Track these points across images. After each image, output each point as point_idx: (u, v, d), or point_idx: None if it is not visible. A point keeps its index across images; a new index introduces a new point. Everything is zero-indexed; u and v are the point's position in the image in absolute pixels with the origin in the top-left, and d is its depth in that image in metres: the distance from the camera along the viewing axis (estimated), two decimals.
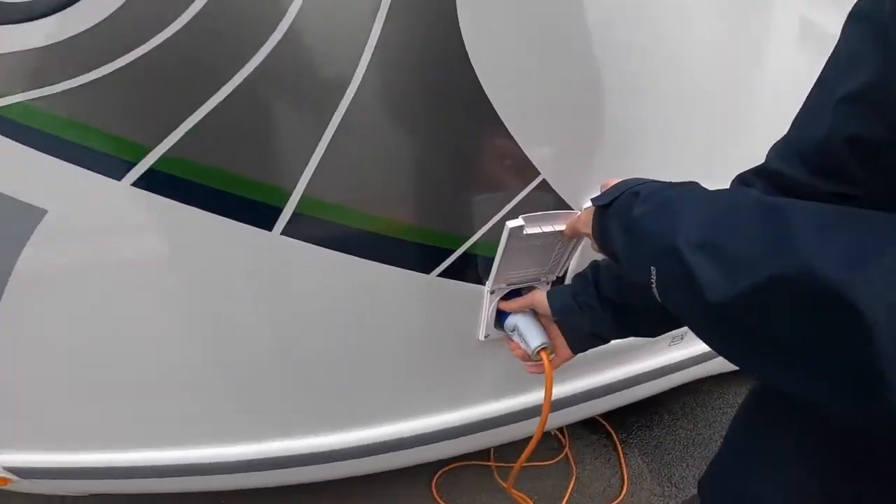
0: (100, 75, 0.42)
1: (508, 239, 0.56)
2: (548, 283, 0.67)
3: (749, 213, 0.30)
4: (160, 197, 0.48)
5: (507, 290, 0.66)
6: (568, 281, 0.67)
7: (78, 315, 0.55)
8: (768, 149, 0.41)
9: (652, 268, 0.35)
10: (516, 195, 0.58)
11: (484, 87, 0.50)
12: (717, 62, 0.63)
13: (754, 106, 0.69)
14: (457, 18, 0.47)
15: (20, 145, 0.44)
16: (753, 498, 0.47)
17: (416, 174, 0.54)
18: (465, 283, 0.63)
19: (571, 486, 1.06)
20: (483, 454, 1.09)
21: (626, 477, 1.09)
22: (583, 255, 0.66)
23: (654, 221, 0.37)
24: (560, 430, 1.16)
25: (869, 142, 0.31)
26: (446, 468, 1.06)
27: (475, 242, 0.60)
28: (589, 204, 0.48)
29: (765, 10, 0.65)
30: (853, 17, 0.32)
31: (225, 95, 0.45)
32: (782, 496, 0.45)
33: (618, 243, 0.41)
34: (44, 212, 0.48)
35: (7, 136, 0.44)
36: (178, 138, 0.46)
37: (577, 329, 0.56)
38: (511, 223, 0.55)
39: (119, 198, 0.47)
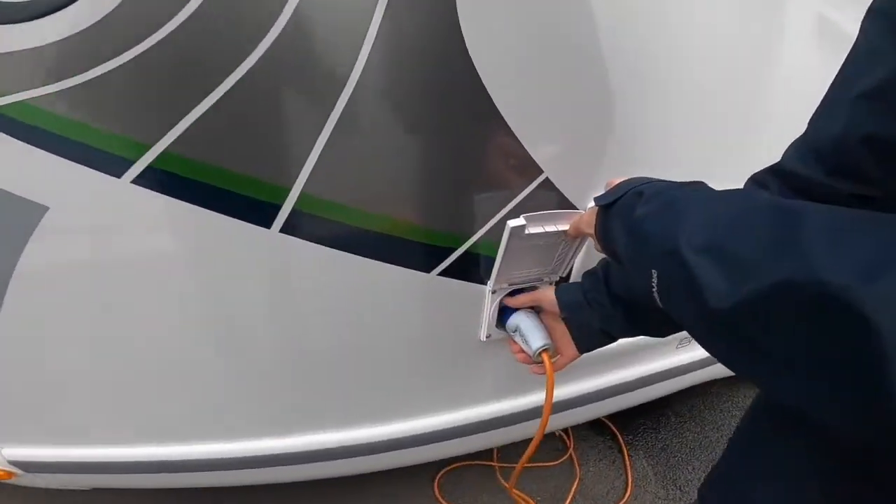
0: (98, 74, 0.43)
1: (510, 238, 0.55)
2: (551, 284, 0.66)
3: (758, 215, 0.29)
4: (159, 194, 0.48)
5: (510, 290, 0.65)
6: (573, 281, 0.66)
7: (79, 311, 0.56)
8: (783, 149, 0.39)
9: (653, 271, 0.34)
10: (518, 194, 0.57)
11: (485, 84, 0.49)
12: (729, 60, 0.62)
13: (768, 105, 0.67)
14: (456, 14, 0.46)
15: (22, 143, 0.45)
16: None
17: (416, 172, 0.54)
18: (466, 282, 0.62)
19: (574, 487, 1.05)
20: (486, 454, 1.08)
21: (630, 479, 1.08)
22: (587, 256, 0.64)
23: (656, 222, 0.35)
24: (565, 430, 1.15)
25: (886, 140, 0.29)
26: (449, 468, 1.06)
27: (476, 241, 0.59)
28: (593, 203, 0.47)
29: (779, 7, 0.63)
30: (872, 13, 0.31)
31: (222, 93, 0.45)
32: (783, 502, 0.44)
33: (620, 244, 0.40)
34: (45, 208, 0.48)
35: (8, 134, 0.44)
36: (176, 136, 0.46)
37: (585, 326, 0.55)
38: (512, 222, 0.54)
39: (119, 195, 0.48)
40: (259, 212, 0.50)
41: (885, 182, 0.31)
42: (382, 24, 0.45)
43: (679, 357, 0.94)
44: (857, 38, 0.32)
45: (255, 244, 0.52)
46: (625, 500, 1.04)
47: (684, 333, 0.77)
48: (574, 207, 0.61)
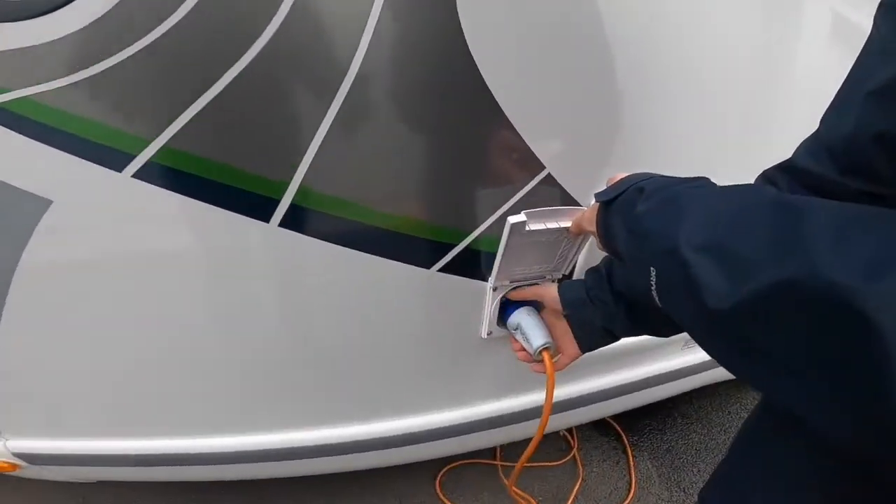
0: (100, 70, 0.43)
1: (510, 235, 0.55)
2: (553, 282, 0.65)
3: (761, 211, 0.28)
4: (160, 188, 0.49)
5: (511, 288, 0.64)
6: (576, 278, 0.65)
7: (82, 304, 0.56)
8: (796, 148, 0.39)
9: (652, 269, 0.33)
10: (520, 189, 0.57)
11: (485, 78, 0.49)
12: (737, 57, 0.61)
13: (779, 104, 0.66)
14: (455, 8, 0.45)
15: (26, 138, 0.45)
16: None
17: (416, 166, 0.53)
18: (467, 278, 0.62)
19: (577, 487, 1.04)
20: (489, 452, 1.08)
21: (633, 480, 1.06)
22: (590, 253, 0.64)
23: (657, 219, 0.35)
24: (569, 430, 1.14)
25: None
26: (450, 466, 1.06)
27: (477, 237, 0.59)
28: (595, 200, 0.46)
29: (793, 5, 0.61)
30: (884, 7, 0.30)
31: (221, 88, 0.45)
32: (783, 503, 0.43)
33: (620, 242, 0.39)
34: (49, 202, 0.49)
35: (13, 130, 0.45)
36: (175, 131, 0.46)
37: (587, 323, 0.54)
38: (512, 218, 0.53)
39: (120, 189, 0.48)
40: (258, 206, 0.50)
41: None
42: (381, 17, 0.44)
43: (685, 358, 0.92)
44: (870, 34, 0.32)
45: (255, 238, 0.52)
46: (627, 501, 1.03)
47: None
48: (577, 204, 0.60)
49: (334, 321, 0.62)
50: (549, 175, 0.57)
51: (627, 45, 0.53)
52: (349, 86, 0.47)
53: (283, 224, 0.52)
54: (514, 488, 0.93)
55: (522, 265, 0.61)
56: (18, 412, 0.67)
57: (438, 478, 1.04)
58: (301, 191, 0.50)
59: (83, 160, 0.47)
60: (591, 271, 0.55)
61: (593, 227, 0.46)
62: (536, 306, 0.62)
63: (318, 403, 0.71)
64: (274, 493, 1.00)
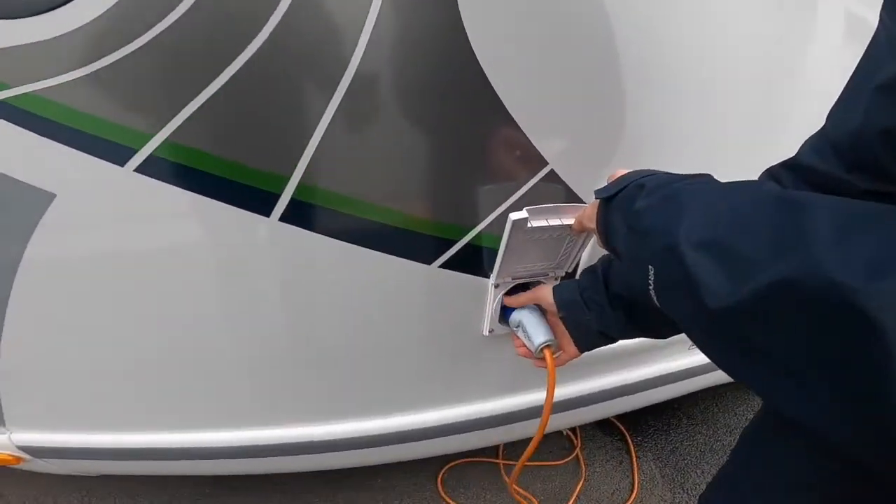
0: (103, 65, 0.44)
1: (512, 231, 0.54)
2: (556, 279, 0.65)
3: (762, 209, 0.28)
4: (162, 182, 0.49)
5: (513, 285, 0.64)
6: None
7: (86, 297, 0.57)
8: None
9: (650, 267, 0.33)
10: (522, 186, 0.56)
11: (487, 73, 0.48)
12: (744, 55, 0.60)
13: (788, 103, 0.65)
14: (457, 3, 0.45)
15: (30, 133, 0.46)
16: None
17: (416, 161, 0.53)
18: (468, 275, 0.61)
19: (579, 487, 1.04)
20: (491, 451, 1.08)
21: (636, 481, 1.06)
22: (594, 251, 0.63)
23: (657, 216, 0.34)
24: (572, 430, 1.13)
25: None
26: (452, 463, 1.06)
27: (479, 233, 0.58)
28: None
29: (806, 4, 0.60)
30: (891, 2, 0.30)
31: (222, 83, 0.45)
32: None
33: (620, 239, 0.39)
34: (52, 196, 0.50)
35: (17, 125, 0.46)
36: (177, 125, 0.47)
37: (582, 326, 0.53)
38: (514, 215, 0.53)
39: (122, 183, 0.49)
40: (259, 201, 0.51)
41: None
42: (382, 12, 0.44)
43: (691, 358, 0.91)
44: (877, 30, 0.31)
45: (255, 233, 0.53)
46: (629, 502, 1.02)
47: None
48: (580, 201, 0.59)
49: (335, 317, 0.62)
50: (552, 171, 0.56)
51: (632, 40, 0.52)
52: (350, 80, 0.46)
53: (283, 219, 0.52)
54: (515, 487, 0.93)
55: (525, 262, 0.61)
56: (23, 406, 0.68)
57: (440, 475, 1.04)
58: (302, 186, 0.50)
59: (86, 154, 0.47)
60: (588, 271, 0.54)
61: (593, 224, 0.45)
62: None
63: (318, 399, 0.71)
64: (275, 488, 1.00)
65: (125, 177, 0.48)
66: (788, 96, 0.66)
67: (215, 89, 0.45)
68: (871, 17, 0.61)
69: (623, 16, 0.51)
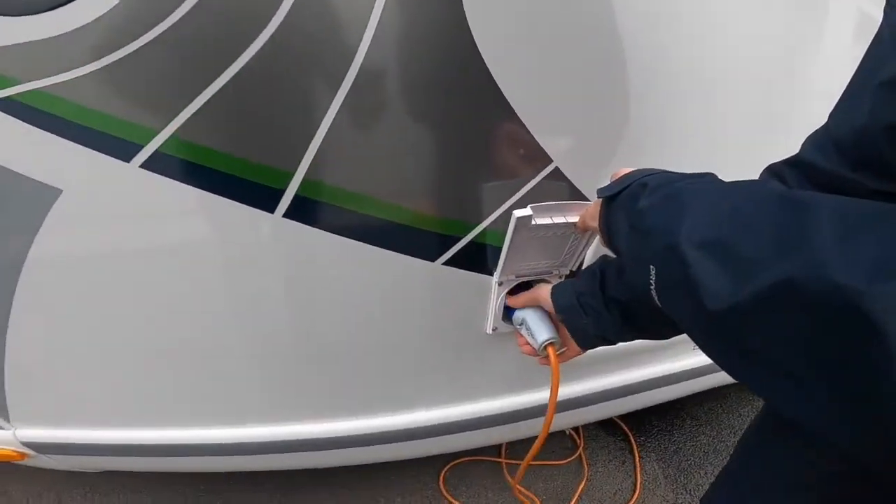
0: (109, 62, 0.44)
1: (516, 229, 0.54)
2: (560, 277, 0.65)
3: (765, 208, 0.27)
4: (167, 178, 0.49)
5: (517, 283, 0.63)
6: None
7: (91, 293, 0.57)
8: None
9: (651, 267, 0.32)
10: (526, 183, 0.56)
11: (491, 70, 0.48)
12: (751, 53, 0.59)
13: (795, 102, 0.65)
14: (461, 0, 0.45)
15: (37, 129, 0.46)
16: None
17: (420, 158, 0.53)
18: (472, 272, 0.61)
19: (581, 487, 1.03)
20: (494, 450, 1.07)
21: (639, 481, 1.05)
22: (598, 250, 0.63)
23: (658, 215, 0.34)
24: (575, 429, 1.13)
25: None
26: (455, 462, 1.05)
27: (483, 231, 0.58)
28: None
29: (816, 3, 0.60)
30: None
31: (227, 79, 0.45)
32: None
33: (622, 238, 0.39)
34: (59, 191, 0.50)
35: (24, 121, 0.46)
36: (182, 121, 0.47)
37: (580, 330, 0.53)
38: (518, 212, 0.53)
39: (128, 179, 0.49)
40: (263, 196, 0.51)
41: None
42: (386, 8, 0.44)
43: (695, 359, 0.91)
44: (881, 26, 0.31)
45: (260, 229, 0.53)
46: (632, 502, 1.02)
47: None
48: (585, 199, 0.59)
49: (338, 313, 0.62)
50: (556, 169, 0.56)
51: (637, 38, 0.52)
52: (354, 77, 0.46)
53: (287, 215, 0.52)
54: (518, 486, 0.93)
55: (529, 260, 0.60)
56: (28, 402, 0.68)
57: (442, 474, 1.04)
58: (306, 182, 0.50)
59: (92, 150, 0.48)
60: (586, 272, 0.53)
61: (596, 223, 0.45)
62: None
63: (321, 397, 0.71)
64: (276, 485, 1.01)
65: (131, 173, 0.48)
66: (794, 96, 0.65)
67: (220, 85, 0.45)
68: (879, 14, 0.61)
69: (627, 14, 0.51)
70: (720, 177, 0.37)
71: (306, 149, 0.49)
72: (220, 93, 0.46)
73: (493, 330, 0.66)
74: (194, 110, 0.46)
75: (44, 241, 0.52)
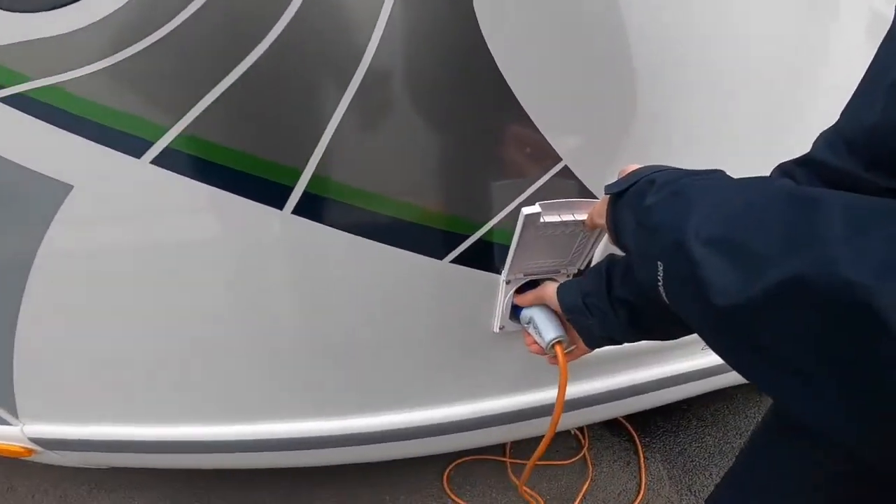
0: (120, 59, 0.44)
1: (524, 227, 0.54)
2: (568, 276, 0.64)
3: (774, 204, 0.27)
4: (176, 175, 0.49)
5: (525, 281, 0.63)
6: None
7: (101, 289, 0.57)
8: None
9: (659, 264, 0.32)
10: (535, 181, 0.56)
11: (500, 68, 0.48)
12: (762, 52, 0.59)
13: (805, 101, 0.64)
14: None
15: (48, 125, 0.47)
16: None
17: (429, 156, 0.53)
18: (480, 270, 0.61)
19: (585, 487, 1.03)
20: (498, 449, 1.07)
21: (643, 482, 1.05)
22: (607, 248, 0.62)
23: (665, 212, 0.34)
24: (580, 429, 1.13)
25: None
26: (459, 461, 1.05)
27: (491, 229, 0.58)
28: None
29: (828, 2, 0.60)
30: None
31: (238, 76, 0.45)
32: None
33: (629, 236, 0.38)
34: (70, 187, 0.50)
35: (36, 117, 0.46)
36: (192, 118, 0.47)
37: (586, 330, 0.53)
38: (527, 210, 0.53)
39: (138, 175, 0.49)
40: (272, 193, 0.51)
41: None
42: (395, 5, 0.44)
43: (702, 360, 0.90)
44: (893, 24, 0.31)
45: (269, 226, 0.53)
46: (636, 503, 1.01)
47: None
48: (594, 197, 0.59)
49: (345, 310, 0.62)
50: (565, 167, 0.56)
51: (646, 36, 0.52)
52: (363, 74, 0.46)
53: (296, 211, 0.52)
54: (523, 486, 0.93)
55: (537, 258, 0.60)
56: (36, 398, 0.68)
57: (446, 473, 1.04)
58: (314, 178, 0.50)
59: (103, 146, 0.48)
60: (592, 271, 0.53)
61: (604, 220, 0.45)
62: None
63: (326, 393, 0.71)
64: (280, 483, 1.01)
65: (141, 169, 0.48)
66: (803, 94, 0.65)
67: (231, 82, 0.45)
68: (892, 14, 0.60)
69: (637, 11, 0.50)
70: (729, 174, 0.37)
71: (315, 146, 0.49)
72: (230, 90, 0.46)
73: (500, 328, 0.66)
74: (205, 107, 0.46)
75: (54, 237, 0.52)
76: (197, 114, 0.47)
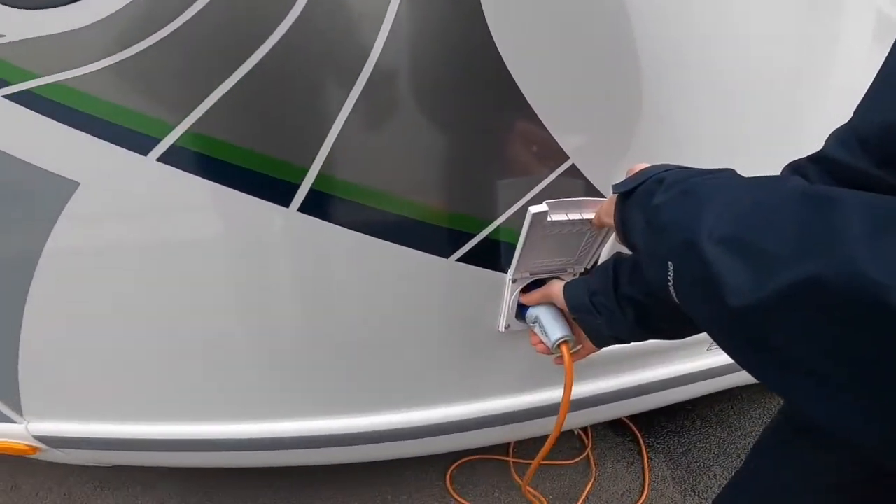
0: (127, 56, 0.44)
1: (531, 225, 0.54)
2: (575, 275, 0.64)
3: (788, 203, 0.27)
4: (183, 172, 0.49)
5: (531, 280, 0.63)
6: None
7: (107, 286, 0.57)
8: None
9: (669, 263, 0.32)
10: (542, 180, 0.56)
11: (508, 67, 0.48)
12: (768, 51, 0.59)
13: (811, 101, 0.64)
14: None
15: (55, 122, 0.47)
16: None
17: (435, 154, 0.53)
18: (486, 269, 0.61)
19: (589, 487, 1.03)
20: (502, 449, 1.07)
21: (647, 482, 1.04)
22: (614, 247, 0.62)
23: (675, 211, 0.33)
24: (584, 429, 1.12)
25: None
26: (462, 460, 1.05)
27: (497, 227, 0.58)
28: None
29: (837, 3, 0.59)
30: None
31: (244, 73, 0.45)
32: None
33: (638, 235, 0.38)
34: (76, 184, 0.50)
35: (42, 114, 0.46)
36: (199, 115, 0.47)
37: (594, 329, 0.53)
38: (534, 208, 0.52)
39: (145, 172, 0.49)
40: (278, 191, 0.51)
41: None
42: (401, 6, 0.44)
43: (707, 360, 0.90)
44: None
45: (275, 222, 0.53)
46: (639, 503, 1.01)
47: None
48: (602, 196, 0.58)
49: (350, 308, 0.62)
50: (573, 166, 0.56)
51: (655, 35, 0.52)
52: (370, 72, 0.46)
53: (302, 209, 0.52)
54: (526, 486, 0.92)
55: (543, 257, 0.60)
56: (41, 396, 0.68)
57: (449, 472, 1.03)
58: (321, 176, 0.50)
59: (110, 144, 0.48)
60: (599, 269, 0.53)
61: (611, 220, 0.45)
62: None
63: (331, 392, 0.71)
64: (283, 481, 1.01)
65: (148, 166, 0.48)
66: (809, 94, 0.64)
67: (237, 79, 0.45)
68: None
69: (646, 10, 0.50)
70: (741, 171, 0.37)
71: (322, 143, 0.49)
72: (237, 87, 0.45)
73: (505, 328, 0.66)
74: (211, 104, 0.46)
75: (60, 233, 0.52)
76: (203, 111, 0.46)
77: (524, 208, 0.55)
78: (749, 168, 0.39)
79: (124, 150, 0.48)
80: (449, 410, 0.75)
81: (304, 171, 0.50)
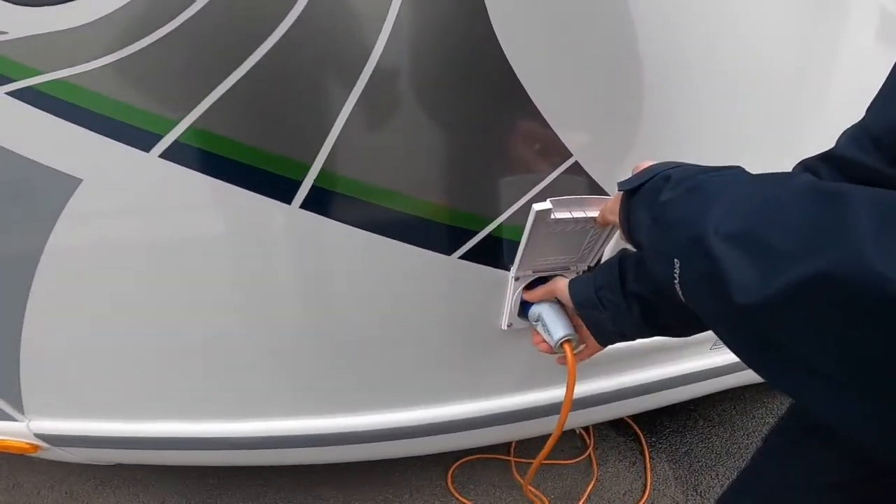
0: (130, 52, 0.44)
1: (535, 223, 0.53)
2: (578, 273, 0.64)
3: (796, 200, 0.26)
4: (185, 168, 0.49)
5: (534, 278, 0.63)
6: None
7: (108, 283, 0.57)
8: (833, 141, 0.36)
9: (676, 260, 0.32)
10: (545, 177, 0.55)
11: (511, 64, 0.48)
12: (771, 48, 0.59)
13: (815, 98, 0.64)
14: None
15: (57, 119, 0.47)
16: None
17: (438, 151, 0.52)
18: (488, 267, 0.61)
19: (590, 487, 1.03)
20: (503, 448, 1.07)
21: (649, 482, 1.04)
22: (617, 245, 0.62)
23: (682, 207, 0.33)
24: (585, 429, 1.12)
25: None
26: (464, 459, 1.05)
27: (500, 225, 0.58)
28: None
29: (840, 1, 0.59)
30: None
31: (246, 70, 0.45)
32: None
33: (644, 232, 0.38)
34: (79, 181, 0.50)
35: (45, 111, 0.46)
36: (201, 112, 0.47)
37: (598, 325, 0.52)
38: (538, 206, 0.52)
39: (147, 168, 0.49)
40: (280, 187, 0.50)
41: None
42: (403, 3, 0.44)
43: (712, 359, 0.90)
44: None
45: (276, 219, 0.53)
46: (641, 503, 1.01)
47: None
48: (605, 194, 0.58)
49: (352, 305, 0.62)
50: (576, 163, 0.56)
51: (659, 32, 0.52)
52: (372, 69, 0.46)
53: (304, 206, 0.52)
54: (527, 486, 0.92)
55: (546, 255, 0.60)
56: (42, 394, 0.68)
57: (450, 472, 1.03)
58: (323, 173, 0.50)
59: (112, 140, 0.48)
60: (605, 266, 0.53)
61: (616, 217, 0.44)
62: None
63: (332, 391, 0.71)
64: (284, 480, 1.01)
65: (150, 162, 0.48)
66: (812, 93, 0.64)
67: (240, 76, 0.45)
68: None
69: (649, 7, 0.50)
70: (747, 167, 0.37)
71: (324, 140, 0.48)
72: (239, 84, 0.45)
73: (508, 326, 0.66)
74: (213, 101, 0.46)
75: (62, 230, 0.52)
76: (206, 108, 0.47)
77: (527, 206, 0.55)
78: (751, 166, 0.39)
79: (126, 146, 0.48)
80: (450, 409, 0.74)
81: (307, 168, 0.50)
